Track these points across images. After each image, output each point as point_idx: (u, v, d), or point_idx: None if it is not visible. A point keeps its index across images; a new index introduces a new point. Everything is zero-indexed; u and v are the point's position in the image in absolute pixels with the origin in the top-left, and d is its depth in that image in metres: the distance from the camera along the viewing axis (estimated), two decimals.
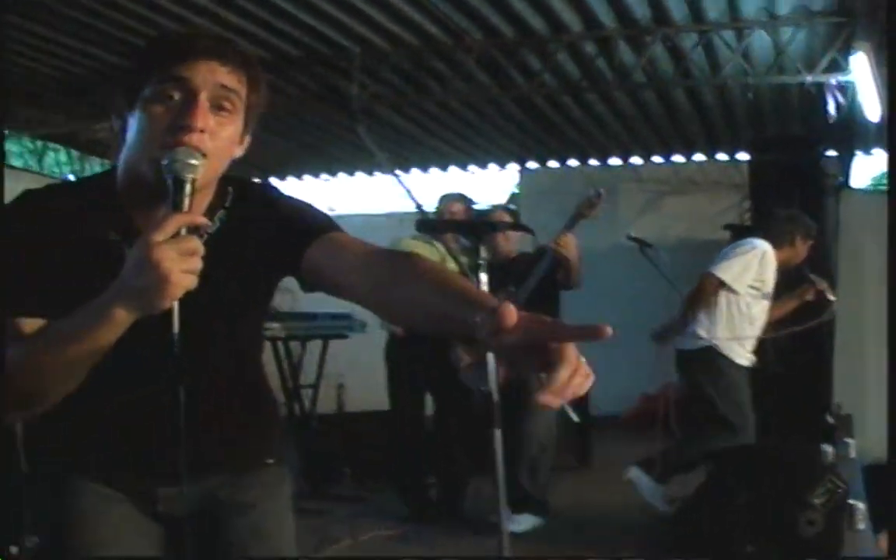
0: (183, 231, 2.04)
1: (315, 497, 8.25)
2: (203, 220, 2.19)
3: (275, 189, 2.71)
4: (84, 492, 2.48)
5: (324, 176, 15.62)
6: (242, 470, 2.65)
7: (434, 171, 14.53)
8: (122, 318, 2.07)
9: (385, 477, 8.27)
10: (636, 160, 13.94)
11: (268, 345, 8.49)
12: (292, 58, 10.05)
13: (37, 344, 2.20)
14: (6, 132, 12.11)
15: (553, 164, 14.17)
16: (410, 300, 2.21)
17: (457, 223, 6.23)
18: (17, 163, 13.77)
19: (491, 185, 16.05)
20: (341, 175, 15.44)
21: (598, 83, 10.31)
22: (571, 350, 1.74)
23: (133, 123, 2.30)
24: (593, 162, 13.92)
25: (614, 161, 13.89)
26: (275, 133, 12.37)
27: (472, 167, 14.48)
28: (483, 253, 4.11)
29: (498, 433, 4.28)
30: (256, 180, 2.77)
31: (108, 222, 2.34)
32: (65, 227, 2.33)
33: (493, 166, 14.40)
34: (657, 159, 13.89)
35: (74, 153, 13.80)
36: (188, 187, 2.16)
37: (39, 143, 14.07)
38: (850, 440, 7.22)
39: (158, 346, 2.16)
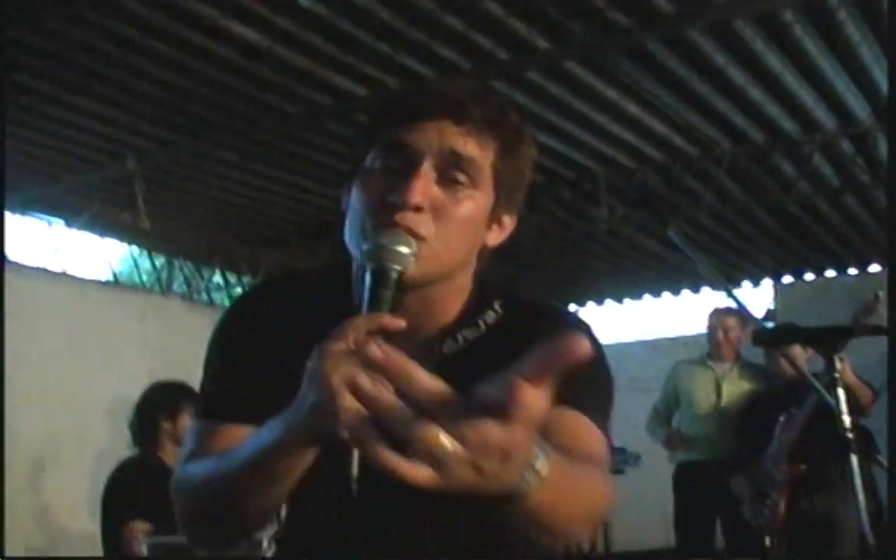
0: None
1: None
2: (397, 322, 1.60)
3: (575, 319, 2.07)
4: None
5: (571, 306, 15.39)
6: None
7: (685, 292, 14.19)
8: (293, 439, 1.63)
9: None
10: None
11: None
12: (535, 183, 9.92)
13: (222, 458, 1.83)
14: (254, 281, 12.38)
15: (809, 276, 13.60)
16: None
17: (803, 330, 5.34)
18: None
19: (746, 303, 15.69)
20: (590, 304, 15.24)
21: (855, 184, 9.86)
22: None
23: (350, 201, 1.88)
24: (852, 270, 13.34)
25: (874, 268, 13.27)
26: (522, 264, 12.30)
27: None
28: (838, 365, 3.54)
29: None
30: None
31: (333, 318, 1.64)
32: (286, 321, 1.97)
33: (746, 283, 13.96)
34: None
35: None
36: (391, 282, 1.68)
37: None
38: None
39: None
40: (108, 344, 10.38)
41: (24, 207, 10.12)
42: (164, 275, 12.31)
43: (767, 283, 13.97)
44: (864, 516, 3.22)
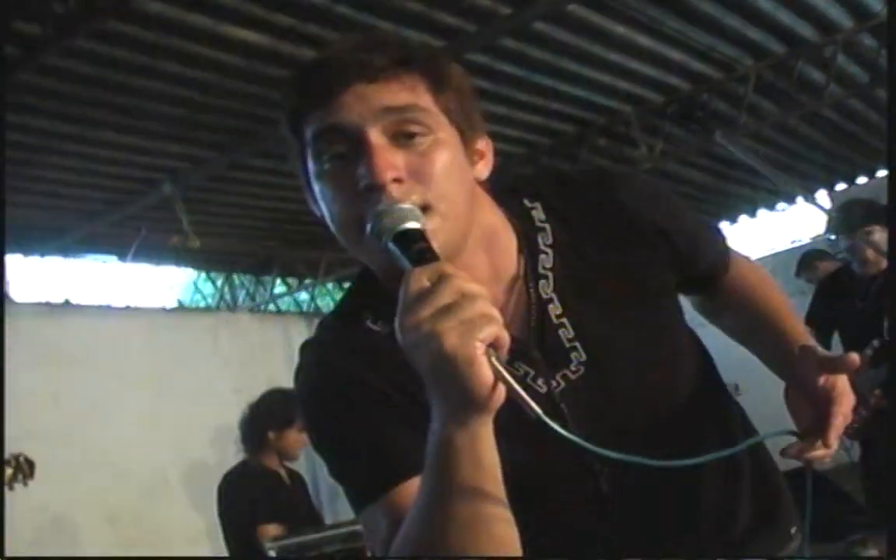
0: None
1: None
2: (449, 269, 1.44)
3: (606, 174, 2.00)
4: None
5: None
6: None
7: (743, 218, 14.10)
8: (455, 436, 1.48)
9: None
10: None
11: None
12: (570, 136, 9.99)
13: (422, 515, 1.60)
14: (316, 282, 12.50)
15: (862, 179, 13.46)
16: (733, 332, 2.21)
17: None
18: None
19: (803, 218, 15.35)
20: None
21: (884, 77, 9.73)
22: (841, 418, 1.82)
23: (321, 206, 1.75)
24: None
25: None
26: None
27: (780, 205, 13.98)
28: None
29: None
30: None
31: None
32: (372, 361, 1.80)
33: (800, 199, 13.79)
34: None
35: None
36: (418, 233, 1.56)
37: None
38: None
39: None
40: (187, 369, 10.56)
41: (76, 249, 10.29)
42: (226, 293, 12.45)
43: (822, 195, 13.83)
44: None
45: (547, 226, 1.87)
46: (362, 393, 1.79)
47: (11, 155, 7.61)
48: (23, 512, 5.62)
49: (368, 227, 1.60)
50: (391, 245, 1.55)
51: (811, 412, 1.84)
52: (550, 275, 1.83)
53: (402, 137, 1.66)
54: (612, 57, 8.44)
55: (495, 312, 1.41)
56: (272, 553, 6.26)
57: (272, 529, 6.49)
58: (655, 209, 1.95)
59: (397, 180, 1.61)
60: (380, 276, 1.77)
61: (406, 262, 1.50)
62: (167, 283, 12.20)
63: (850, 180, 13.41)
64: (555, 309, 1.82)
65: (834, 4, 8.34)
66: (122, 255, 10.50)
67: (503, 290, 1.80)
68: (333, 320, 1.97)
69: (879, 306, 6.12)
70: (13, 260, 9.73)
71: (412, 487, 1.66)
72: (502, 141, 9.74)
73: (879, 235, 6.20)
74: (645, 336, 1.89)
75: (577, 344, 1.82)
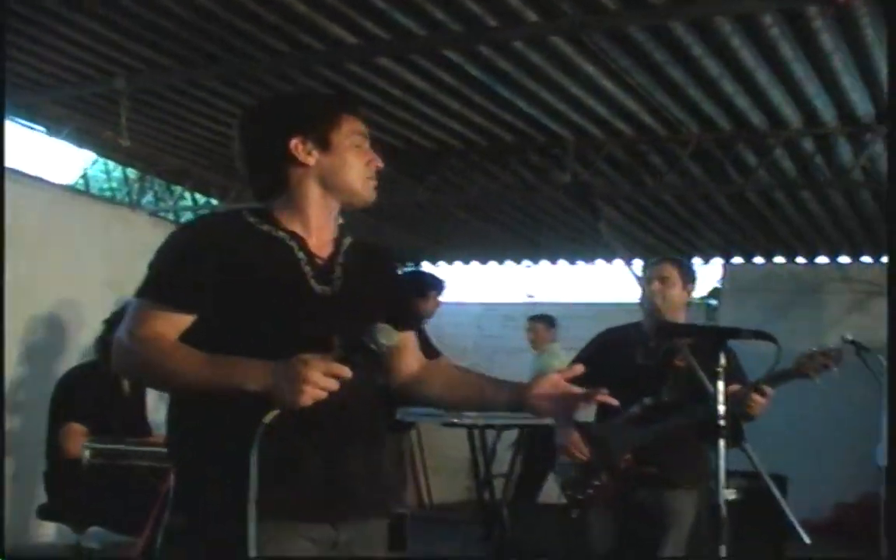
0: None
1: None
2: (347, 373, 2.59)
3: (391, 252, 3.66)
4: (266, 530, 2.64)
5: (526, 263, 15.73)
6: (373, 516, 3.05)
7: (637, 263, 14.44)
8: (255, 393, 2.60)
9: None
10: (844, 259, 13.68)
11: (464, 431, 8.69)
12: (507, 144, 10.22)
13: (177, 362, 2.73)
14: (222, 204, 12.49)
15: (759, 260, 14.01)
16: (451, 398, 3.41)
17: (696, 328, 5.32)
18: None
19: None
20: (543, 263, 15.57)
21: (813, 180, 10.22)
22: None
23: (339, 160, 2.97)
24: (800, 259, 13.73)
25: (821, 259, 13.66)
26: (485, 218, 12.58)
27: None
28: (722, 360, 3.43)
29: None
30: None
31: (257, 243, 2.89)
32: (227, 242, 2.87)
33: (697, 260, 14.24)
34: (866, 259, 13.57)
35: None
36: (374, 351, 2.65)
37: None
38: None
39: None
40: (71, 251, 10.43)
41: (8, 113, 10.14)
42: (135, 187, 12.37)
43: (717, 262, 14.33)
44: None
45: (349, 241, 3.11)
46: (209, 244, 2.84)
47: None
48: None
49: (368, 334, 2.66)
50: (367, 345, 2.64)
51: (555, 403, 3.12)
52: (342, 248, 3.07)
53: None
54: (573, 89, 8.69)
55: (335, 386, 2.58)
56: (86, 453, 6.38)
57: (76, 429, 6.70)
58: (397, 270, 3.59)
59: None
60: (303, 203, 2.99)
61: (344, 350, 2.63)
62: (78, 159, 11.93)
63: (749, 257, 13.95)
64: (339, 258, 3.03)
65: (788, 104, 8.67)
66: (50, 131, 10.43)
67: (330, 238, 3.05)
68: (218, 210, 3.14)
69: (662, 365, 5.87)
70: None
71: (178, 321, 2.79)
72: (442, 131, 10.05)
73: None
74: (366, 308, 2.93)
75: (339, 278, 2.98)
